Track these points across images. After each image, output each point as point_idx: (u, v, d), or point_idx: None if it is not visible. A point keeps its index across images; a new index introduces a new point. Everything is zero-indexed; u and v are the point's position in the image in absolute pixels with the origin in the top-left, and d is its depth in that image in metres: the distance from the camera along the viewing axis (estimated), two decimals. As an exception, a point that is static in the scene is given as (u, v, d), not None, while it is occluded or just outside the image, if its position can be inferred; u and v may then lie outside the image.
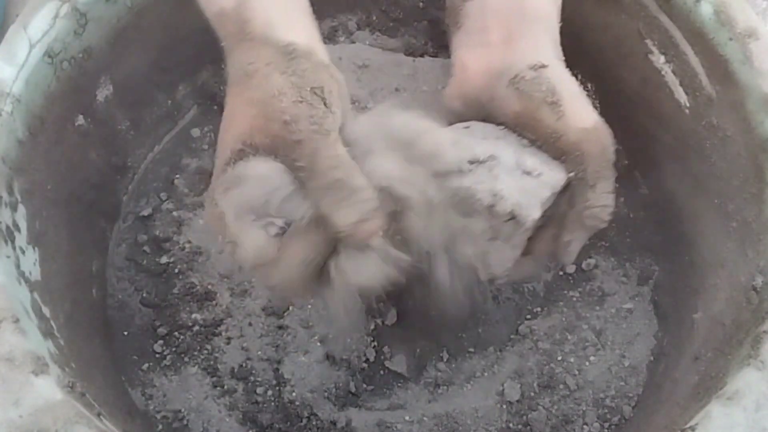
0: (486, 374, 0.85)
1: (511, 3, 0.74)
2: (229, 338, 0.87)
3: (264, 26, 0.66)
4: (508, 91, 0.71)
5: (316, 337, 0.86)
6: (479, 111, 0.74)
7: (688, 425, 0.64)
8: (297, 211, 0.62)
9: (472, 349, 0.87)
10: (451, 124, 0.74)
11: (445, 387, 0.85)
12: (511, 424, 0.83)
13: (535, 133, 0.70)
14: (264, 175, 0.62)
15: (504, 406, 0.84)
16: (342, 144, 0.63)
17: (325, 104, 0.62)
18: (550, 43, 0.75)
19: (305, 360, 0.85)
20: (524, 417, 0.83)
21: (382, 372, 0.85)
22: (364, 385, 0.85)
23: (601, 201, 0.69)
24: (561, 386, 0.85)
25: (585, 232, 0.71)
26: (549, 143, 0.69)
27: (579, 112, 0.70)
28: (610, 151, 0.70)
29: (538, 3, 0.75)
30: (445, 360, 0.86)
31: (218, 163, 0.65)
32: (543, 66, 0.71)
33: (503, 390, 0.84)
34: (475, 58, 0.75)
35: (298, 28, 0.68)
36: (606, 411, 0.84)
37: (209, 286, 0.89)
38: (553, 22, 0.75)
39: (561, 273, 0.91)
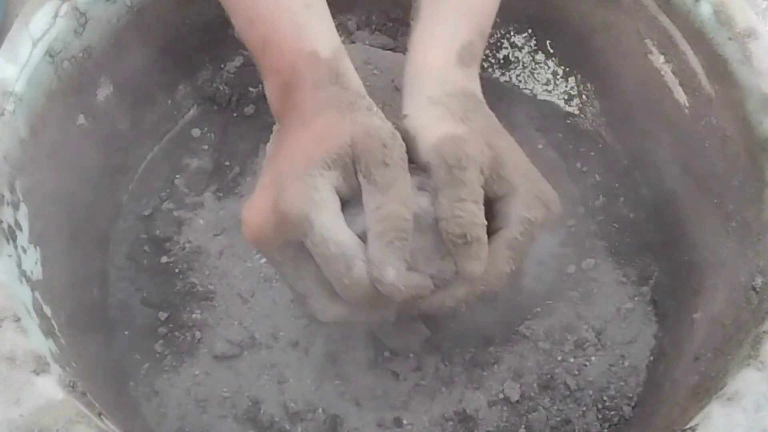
0: (486, 374, 0.85)
1: None
2: (229, 338, 0.86)
3: (355, 84, 0.72)
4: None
5: (316, 337, 0.87)
6: None
7: (688, 426, 0.64)
8: None
9: (472, 349, 0.86)
10: None
11: (445, 387, 0.85)
12: (511, 424, 0.83)
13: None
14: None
15: (504, 407, 0.84)
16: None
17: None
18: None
19: (306, 359, 0.85)
20: (524, 417, 0.83)
21: (382, 372, 0.85)
22: (364, 386, 0.85)
23: (448, 212, 0.66)
24: (561, 386, 0.85)
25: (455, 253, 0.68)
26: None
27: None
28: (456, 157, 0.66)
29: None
30: (445, 360, 0.86)
31: (313, 159, 0.65)
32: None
33: (503, 390, 0.84)
34: None
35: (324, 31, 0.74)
36: (606, 411, 0.84)
37: (209, 286, 0.89)
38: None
39: (564, 277, 0.91)
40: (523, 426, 0.83)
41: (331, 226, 0.63)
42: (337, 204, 0.65)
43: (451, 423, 0.83)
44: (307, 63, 0.71)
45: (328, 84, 0.70)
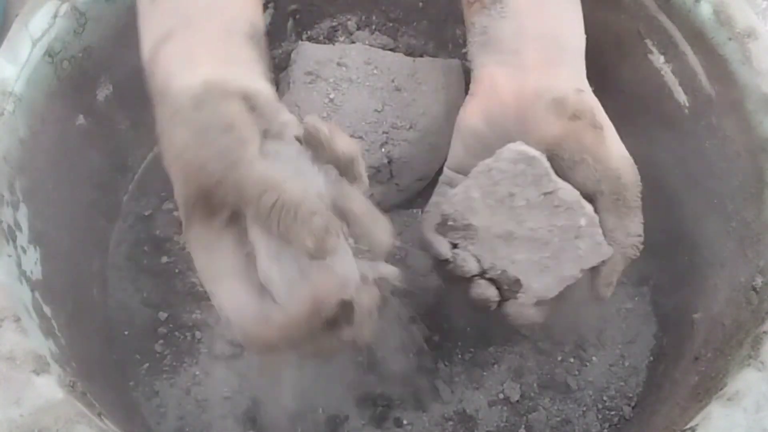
0: (486, 374, 0.85)
1: (548, 31, 0.74)
2: (229, 338, 0.86)
3: (165, 78, 0.64)
4: (547, 112, 0.70)
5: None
6: (503, 132, 0.73)
7: (688, 426, 0.63)
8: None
9: (472, 349, 0.86)
10: (466, 143, 0.74)
11: (446, 387, 0.85)
12: (511, 424, 0.83)
13: (575, 155, 0.69)
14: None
15: (504, 407, 0.84)
16: (264, 161, 0.60)
17: (231, 134, 0.59)
18: (582, 74, 0.74)
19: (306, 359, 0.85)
20: (524, 417, 0.83)
21: (381, 372, 0.85)
22: (364, 386, 0.85)
23: (639, 230, 0.70)
24: (561, 386, 0.85)
25: (623, 264, 0.71)
26: (588, 165, 0.69)
27: (617, 140, 0.71)
28: (640, 183, 0.71)
29: (571, 36, 0.75)
30: (444, 360, 0.86)
31: (183, 219, 0.62)
32: (582, 90, 0.71)
33: (503, 390, 0.84)
34: (507, 77, 0.73)
35: (204, 66, 0.64)
36: (606, 411, 0.84)
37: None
38: (582, 55, 0.75)
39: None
40: (523, 426, 0.83)
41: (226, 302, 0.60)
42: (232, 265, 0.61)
43: (451, 423, 0.83)
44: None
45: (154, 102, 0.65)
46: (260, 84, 0.65)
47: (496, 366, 0.86)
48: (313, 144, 0.62)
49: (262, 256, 0.59)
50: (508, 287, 0.71)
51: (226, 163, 0.58)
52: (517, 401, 0.84)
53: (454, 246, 0.72)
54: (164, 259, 0.91)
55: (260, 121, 0.62)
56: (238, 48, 0.67)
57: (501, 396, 0.84)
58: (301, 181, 0.59)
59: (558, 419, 0.84)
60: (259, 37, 0.69)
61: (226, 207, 0.60)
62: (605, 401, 0.84)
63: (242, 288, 0.60)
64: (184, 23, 0.67)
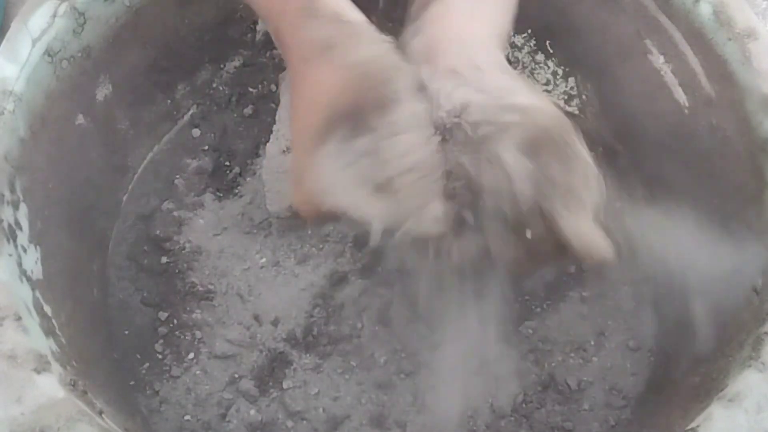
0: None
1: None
2: (229, 338, 0.87)
3: (331, 5, 0.68)
4: None
5: (317, 336, 0.87)
6: None
7: (689, 427, 0.64)
8: None
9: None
10: None
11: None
12: (511, 424, 0.83)
13: None
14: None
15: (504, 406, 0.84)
16: None
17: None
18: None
19: (306, 359, 0.85)
20: (524, 417, 0.83)
21: (381, 373, 0.86)
22: (365, 386, 0.85)
23: None
24: (561, 386, 0.85)
25: None
26: None
27: None
28: None
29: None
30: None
31: (311, 132, 0.65)
32: None
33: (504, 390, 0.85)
34: None
35: (356, 11, 0.70)
36: (606, 411, 0.84)
37: (209, 286, 0.89)
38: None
39: (564, 277, 0.91)
40: (523, 426, 0.83)
41: (351, 209, 0.63)
42: (351, 171, 0.64)
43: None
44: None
45: (302, 19, 0.68)
46: None
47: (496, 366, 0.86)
48: None
49: None
50: None
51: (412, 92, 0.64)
52: (518, 401, 0.84)
53: None
54: (164, 259, 0.91)
55: None
56: None
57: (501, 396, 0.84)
58: None
59: (558, 419, 0.83)
60: None
61: (367, 128, 0.64)
62: (605, 401, 0.84)
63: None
64: None
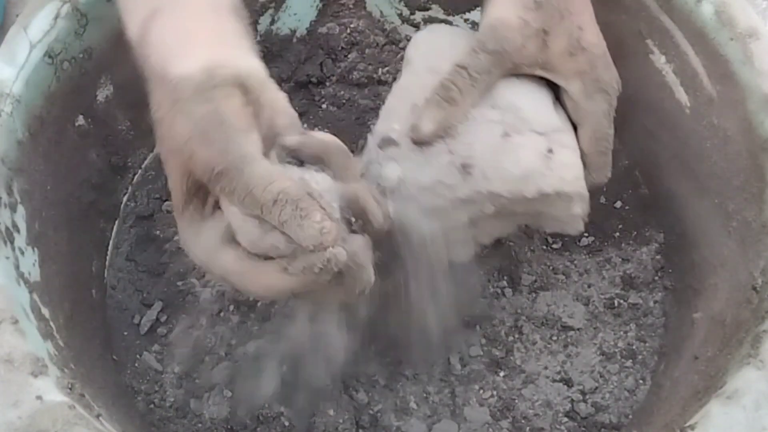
0: (491, 376, 0.86)
1: None
2: (229, 341, 0.87)
3: (161, 62, 0.64)
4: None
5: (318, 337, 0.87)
6: None
7: (687, 424, 0.64)
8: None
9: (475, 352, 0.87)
10: None
11: (454, 387, 0.85)
12: (511, 423, 0.83)
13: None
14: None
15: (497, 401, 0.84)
16: (267, 157, 0.62)
17: (235, 130, 0.61)
18: None
19: (306, 360, 0.85)
20: (525, 418, 0.83)
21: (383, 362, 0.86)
22: (366, 381, 0.85)
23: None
24: (561, 386, 0.85)
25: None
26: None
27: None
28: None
29: None
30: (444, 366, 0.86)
31: (175, 204, 0.66)
32: None
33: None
34: None
35: (200, 47, 0.64)
36: (606, 410, 0.84)
37: (210, 287, 0.89)
38: None
39: (563, 277, 0.91)
40: (521, 423, 0.83)
41: (204, 265, 0.67)
42: (201, 233, 0.66)
43: (455, 419, 0.83)
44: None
45: (148, 82, 0.65)
46: (253, 62, 0.66)
47: (497, 365, 0.86)
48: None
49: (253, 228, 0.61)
50: None
51: (231, 158, 0.60)
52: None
53: None
54: (164, 259, 0.91)
55: (257, 111, 0.64)
56: (226, 23, 0.67)
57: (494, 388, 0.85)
58: (303, 179, 0.61)
59: (558, 418, 0.83)
60: (242, 10, 0.69)
61: (214, 195, 0.63)
62: (605, 401, 0.84)
63: (240, 254, 0.63)
64: None
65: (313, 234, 0.58)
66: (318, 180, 0.63)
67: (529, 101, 0.74)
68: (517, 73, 0.74)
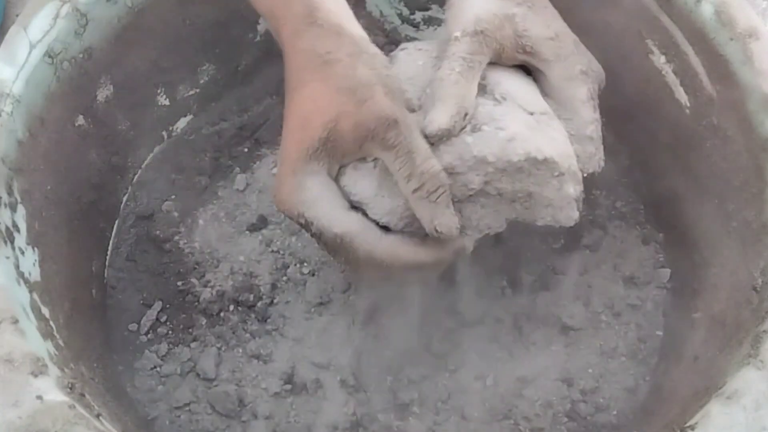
0: (491, 375, 0.86)
1: None
2: (228, 340, 0.87)
3: (334, 16, 0.68)
4: None
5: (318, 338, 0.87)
6: None
7: (687, 424, 0.64)
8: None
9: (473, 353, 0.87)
10: None
11: (454, 387, 0.85)
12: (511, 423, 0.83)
13: None
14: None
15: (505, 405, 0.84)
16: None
17: (403, 96, 0.68)
18: None
19: (308, 359, 0.85)
20: (526, 419, 0.83)
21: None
22: (366, 381, 0.85)
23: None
24: (561, 386, 0.85)
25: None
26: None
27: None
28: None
29: None
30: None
31: (300, 148, 0.67)
32: None
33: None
34: None
35: (356, 24, 0.71)
36: (606, 410, 0.84)
37: (210, 287, 0.89)
38: None
39: (563, 276, 0.91)
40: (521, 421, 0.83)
41: (325, 220, 0.67)
42: (331, 190, 0.68)
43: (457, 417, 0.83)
44: (281, 3, 0.70)
45: (304, 26, 0.68)
46: None
47: (498, 365, 0.86)
48: None
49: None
50: None
51: (408, 115, 0.66)
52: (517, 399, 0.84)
53: None
54: (164, 259, 0.91)
55: None
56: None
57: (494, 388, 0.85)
58: None
59: (558, 417, 0.83)
60: None
61: (355, 154, 0.68)
62: (605, 400, 0.84)
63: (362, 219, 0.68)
64: None
65: (449, 225, 0.66)
66: None
67: (517, 86, 0.73)
68: (501, 60, 0.73)
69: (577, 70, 0.74)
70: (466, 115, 0.68)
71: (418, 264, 0.68)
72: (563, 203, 0.72)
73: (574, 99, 0.74)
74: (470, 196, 0.69)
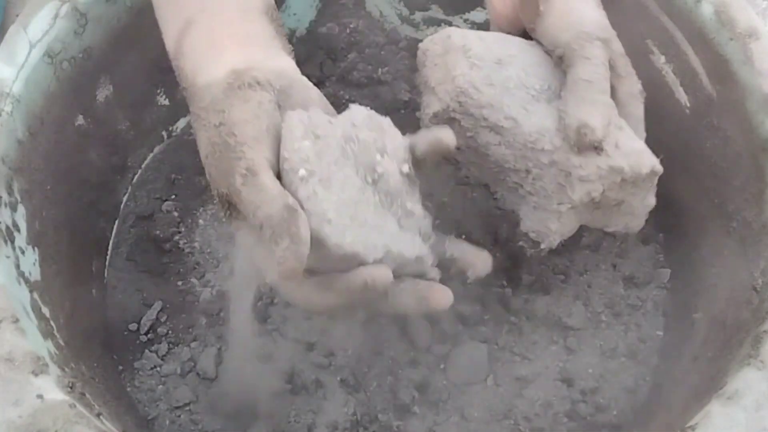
0: (491, 375, 0.86)
1: None
2: (228, 340, 0.86)
3: (193, 73, 0.66)
4: None
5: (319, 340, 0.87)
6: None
7: (688, 425, 0.64)
8: None
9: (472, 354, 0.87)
10: None
11: (454, 387, 0.85)
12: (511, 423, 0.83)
13: None
14: None
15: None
16: (273, 171, 0.62)
17: (240, 141, 0.62)
18: None
19: (306, 358, 0.85)
20: (526, 419, 0.83)
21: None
22: (366, 381, 0.85)
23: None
24: (561, 386, 0.85)
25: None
26: None
27: None
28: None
29: None
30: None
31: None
32: None
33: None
34: None
35: (227, 53, 0.66)
36: (606, 410, 0.84)
37: (210, 287, 0.89)
38: None
39: (563, 276, 0.91)
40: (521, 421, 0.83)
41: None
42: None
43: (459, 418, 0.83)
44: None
45: (182, 89, 0.68)
46: (283, 61, 0.68)
47: (498, 367, 0.86)
48: None
49: None
50: None
51: (231, 181, 0.61)
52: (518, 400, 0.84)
53: None
54: (164, 259, 0.91)
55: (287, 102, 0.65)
56: (255, 25, 0.69)
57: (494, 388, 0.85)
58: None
59: (558, 417, 0.83)
60: (273, 11, 0.71)
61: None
62: (606, 401, 0.84)
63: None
64: (200, 8, 0.68)
65: (279, 257, 0.58)
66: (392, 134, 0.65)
67: None
68: None
69: (638, 88, 0.73)
70: (608, 124, 0.68)
71: (328, 309, 0.65)
72: (642, 211, 0.74)
73: (633, 115, 0.73)
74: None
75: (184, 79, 0.67)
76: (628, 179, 0.69)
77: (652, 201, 0.73)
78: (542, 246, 0.74)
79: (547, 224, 0.72)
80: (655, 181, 0.72)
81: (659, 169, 0.70)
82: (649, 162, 0.70)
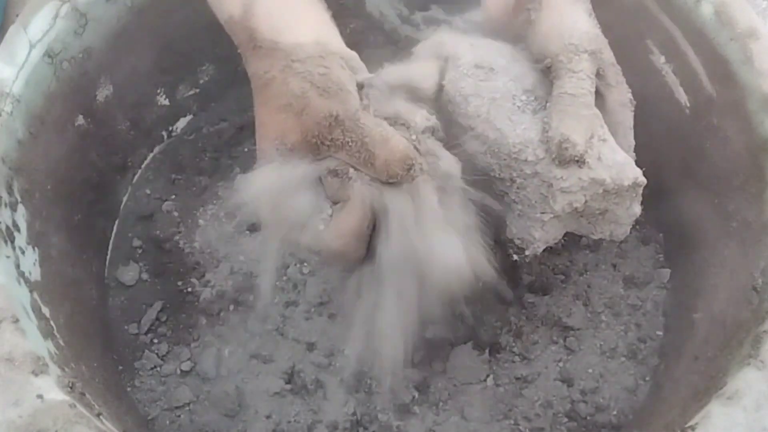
0: (491, 375, 0.86)
1: None
2: (228, 340, 0.86)
3: (270, 33, 0.68)
4: None
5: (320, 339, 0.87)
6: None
7: (688, 425, 0.64)
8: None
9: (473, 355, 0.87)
10: None
11: (454, 387, 0.85)
12: (511, 423, 0.83)
13: None
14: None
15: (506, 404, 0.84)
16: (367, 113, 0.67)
17: (345, 90, 0.66)
18: None
19: (308, 360, 0.85)
20: (526, 419, 0.83)
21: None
22: (366, 381, 0.85)
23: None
24: (562, 386, 0.85)
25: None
26: None
27: None
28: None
29: None
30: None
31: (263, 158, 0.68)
32: None
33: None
34: None
35: (304, 24, 0.70)
36: (606, 410, 0.84)
37: (210, 287, 0.89)
38: None
39: (563, 277, 0.91)
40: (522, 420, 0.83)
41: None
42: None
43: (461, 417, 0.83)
44: (230, 31, 0.72)
45: (249, 51, 0.70)
46: (345, 46, 0.72)
47: (500, 365, 0.86)
48: None
49: None
50: None
51: (347, 107, 0.65)
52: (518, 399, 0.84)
53: None
54: (164, 259, 0.91)
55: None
56: (320, 8, 0.73)
57: (494, 388, 0.84)
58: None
59: (558, 417, 0.83)
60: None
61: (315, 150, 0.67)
62: (605, 401, 0.84)
63: None
64: None
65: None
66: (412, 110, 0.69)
67: None
68: None
69: (627, 97, 0.75)
70: (591, 137, 0.69)
71: (351, 231, 0.67)
72: (627, 220, 0.75)
73: (622, 124, 0.75)
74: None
75: (259, 38, 0.69)
76: (611, 190, 0.70)
77: (637, 210, 0.74)
78: (527, 252, 0.74)
79: (531, 232, 0.73)
80: (640, 191, 0.72)
81: (642, 180, 0.71)
82: (632, 174, 0.71)
